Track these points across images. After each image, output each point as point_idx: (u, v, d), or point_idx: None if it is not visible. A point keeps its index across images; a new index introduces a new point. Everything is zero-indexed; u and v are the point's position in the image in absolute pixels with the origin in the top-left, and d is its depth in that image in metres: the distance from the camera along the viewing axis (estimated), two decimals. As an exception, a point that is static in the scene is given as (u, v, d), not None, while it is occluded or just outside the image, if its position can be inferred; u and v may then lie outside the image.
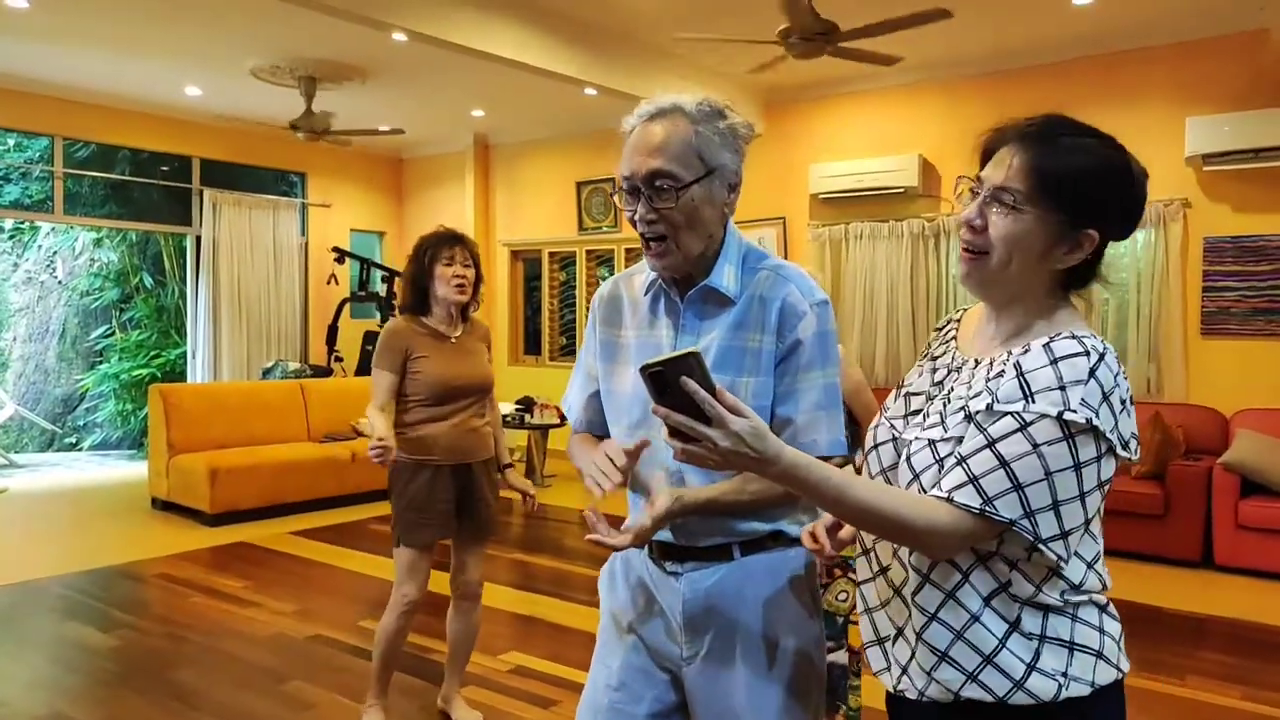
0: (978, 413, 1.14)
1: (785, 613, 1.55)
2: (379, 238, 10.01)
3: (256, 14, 5.59)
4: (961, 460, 1.13)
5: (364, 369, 8.48)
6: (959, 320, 1.39)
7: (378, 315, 9.04)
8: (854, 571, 2.66)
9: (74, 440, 10.49)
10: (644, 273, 1.59)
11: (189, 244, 8.63)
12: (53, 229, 10.61)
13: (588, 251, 8.75)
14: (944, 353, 1.35)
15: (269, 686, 3.41)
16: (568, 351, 9.01)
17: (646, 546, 1.59)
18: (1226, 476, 5.07)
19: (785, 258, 7.00)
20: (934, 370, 1.33)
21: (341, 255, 8.85)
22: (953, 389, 1.24)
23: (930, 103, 6.72)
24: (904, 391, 1.34)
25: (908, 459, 1.22)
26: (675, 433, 1.13)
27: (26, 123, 7.54)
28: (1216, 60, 5.62)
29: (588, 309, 8.99)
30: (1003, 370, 1.16)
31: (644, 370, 1.12)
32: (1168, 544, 5.24)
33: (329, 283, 9.04)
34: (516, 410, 7.59)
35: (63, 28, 5.91)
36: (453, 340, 2.97)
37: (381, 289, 9.10)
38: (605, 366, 1.63)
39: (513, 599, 4.50)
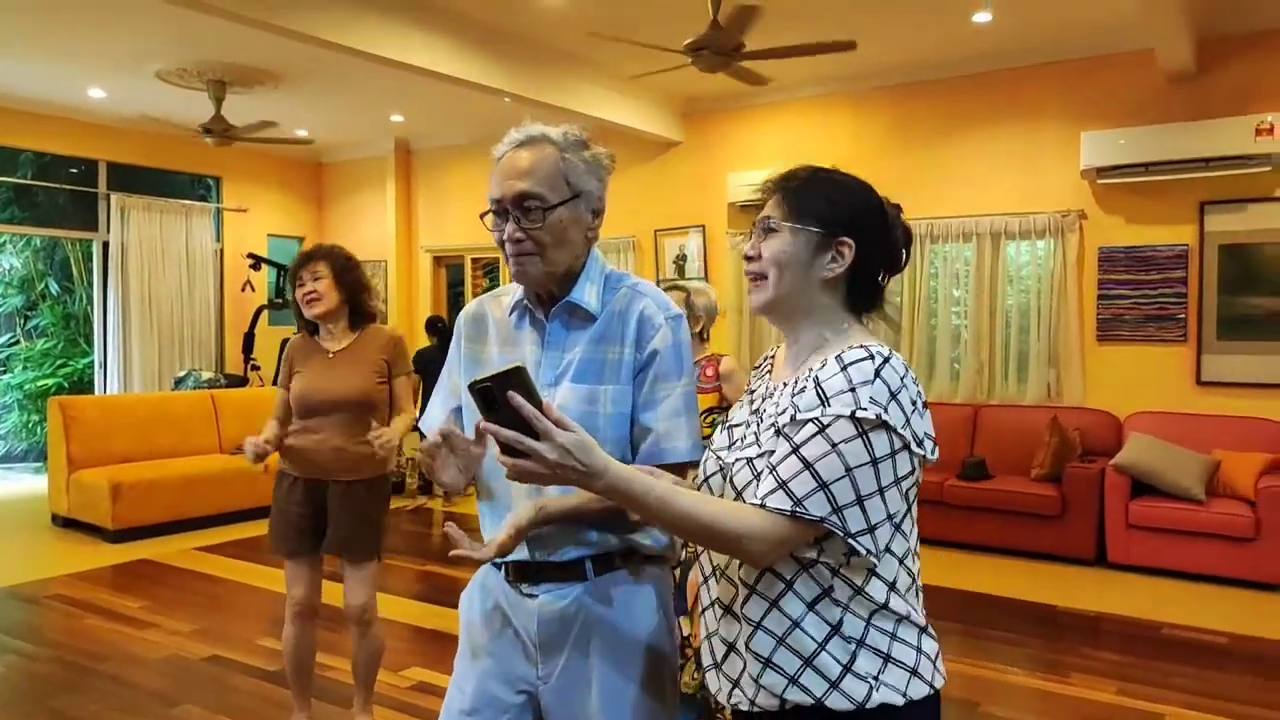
0: (785, 426, 1.23)
1: (639, 627, 1.59)
2: (298, 243, 9.82)
3: (156, 17, 5.45)
4: (772, 469, 1.21)
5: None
6: (773, 356, 1.48)
7: (296, 323, 8.85)
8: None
9: (-24, 453, 10.05)
10: (510, 294, 1.65)
11: (96, 250, 8.36)
12: (-48, 233, 10.17)
13: (511, 258, 8.71)
14: (760, 385, 1.43)
15: (158, 711, 3.33)
16: (491, 358, 8.96)
17: (503, 569, 1.62)
18: (1118, 477, 5.28)
19: (706, 264, 7.06)
20: (751, 402, 1.41)
21: (257, 261, 8.67)
22: (766, 411, 1.32)
23: (841, 114, 6.86)
24: (728, 425, 1.42)
25: (730, 480, 1.29)
26: (505, 449, 1.15)
27: (-82, 124, 7.23)
28: (1109, 77, 5.86)
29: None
30: (804, 386, 1.25)
31: (472, 387, 1.15)
32: (1064, 543, 5.44)
33: (244, 290, 8.84)
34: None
35: (-49, 27, 5.69)
36: (330, 355, 2.95)
37: (300, 296, 8.92)
38: (468, 380, 1.65)
39: (418, 612, 4.47)
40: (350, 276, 2.98)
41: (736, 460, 1.29)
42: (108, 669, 3.72)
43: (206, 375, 8.03)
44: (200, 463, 6.41)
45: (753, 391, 1.43)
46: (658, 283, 7.79)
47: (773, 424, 1.27)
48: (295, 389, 2.94)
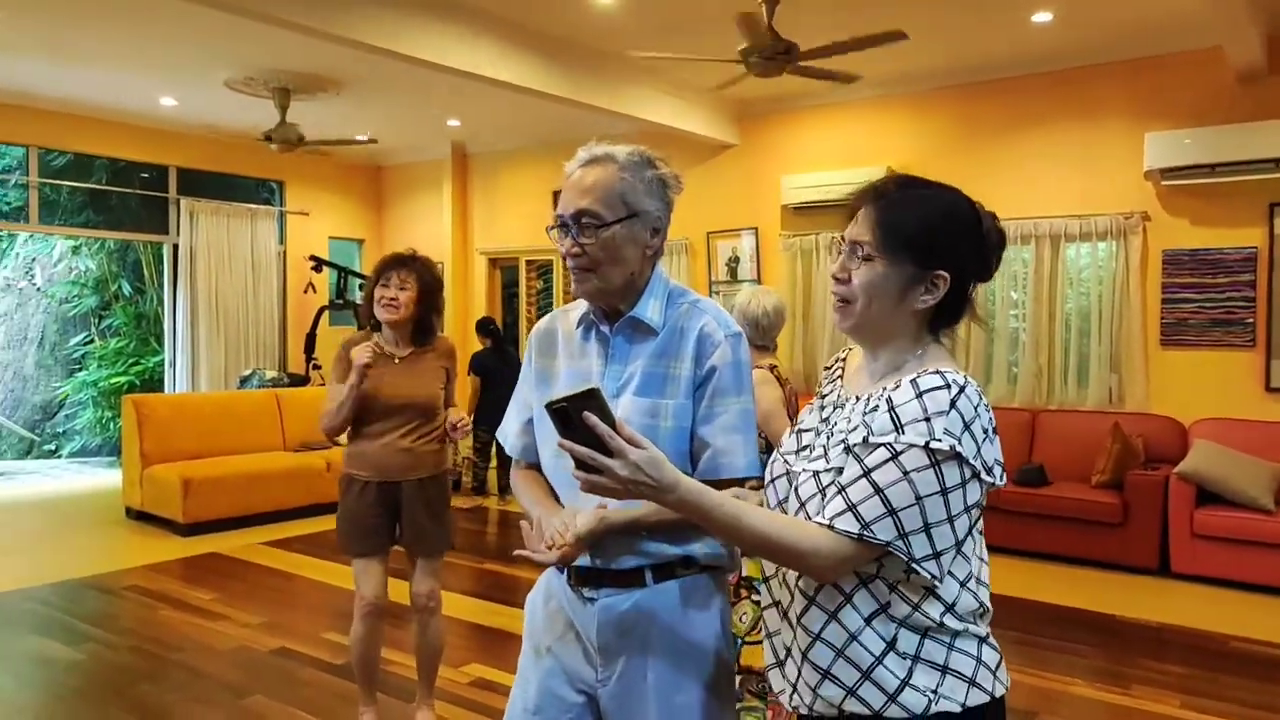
0: (855, 445, 1.25)
1: (696, 637, 1.62)
2: (358, 245, 10.05)
3: (227, 28, 5.63)
4: (841, 489, 1.22)
5: (341, 377, 8.51)
6: (844, 359, 1.49)
7: (355, 324, 9.07)
8: (757, 593, 2.74)
9: (53, 447, 10.49)
10: (579, 308, 1.70)
11: (166, 252, 8.66)
12: (30, 236, 10.60)
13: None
14: (831, 390, 1.44)
15: (230, 702, 3.46)
16: (545, 359, 9.06)
17: (566, 573, 1.67)
18: (1183, 486, 5.17)
19: (759, 266, 7.07)
20: (822, 408, 1.42)
21: (319, 264, 8.89)
22: (836, 424, 1.34)
23: (898, 116, 6.81)
24: (797, 429, 1.44)
25: (796, 490, 1.32)
26: (580, 464, 1.22)
27: (2, 133, 7.55)
28: (1174, 77, 5.73)
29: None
30: (877, 405, 1.26)
31: (549, 407, 1.21)
32: (1125, 552, 5.34)
33: (306, 291, 9.07)
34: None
35: (35, 39, 5.94)
36: (397, 360, 3.04)
37: (359, 297, 9.14)
38: (539, 394, 1.73)
39: (476, 609, 4.56)
40: (433, 299, 3.07)
41: (803, 472, 1.32)
42: (182, 659, 3.88)
43: (270, 374, 8.27)
44: (265, 459, 6.61)
45: (823, 396, 1.45)
46: (710, 287, 7.81)
47: (843, 441, 1.28)
48: (363, 389, 3.00)
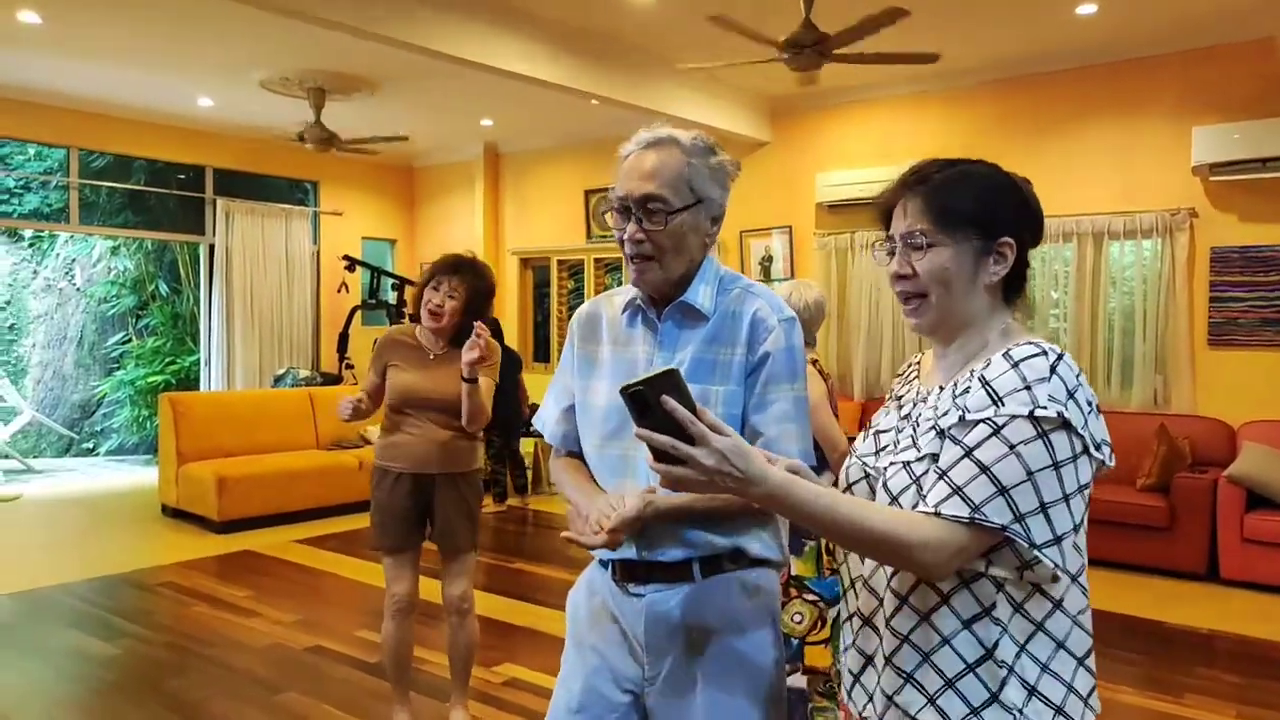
0: (950, 427, 1.15)
1: (746, 634, 1.57)
2: (390, 245, 10.09)
3: (263, 28, 5.66)
4: (943, 474, 1.13)
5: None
6: (918, 362, 1.42)
7: (388, 323, 9.11)
8: (809, 592, 2.65)
9: (91, 445, 10.63)
10: (623, 294, 1.65)
11: (203, 252, 8.74)
12: (70, 236, 10.77)
13: (596, 259, 8.79)
14: (908, 390, 1.37)
15: (263, 698, 3.45)
16: (576, 359, 9.03)
17: (610, 568, 1.62)
18: (1232, 489, 5.02)
19: (793, 265, 7.00)
20: (900, 407, 1.34)
21: (352, 263, 8.93)
22: (921, 414, 1.26)
23: (935, 112, 6.70)
24: (873, 430, 1.36)
25: (884, 485, 1.22)
26: (658, 455, 1.11)
27: (44, 134, 7.66)
28: (1223, 69, 5.57)
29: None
30: (968, 387, 1.17)
31: (625, 391, 1.11)
32: (1173, 557, 5.20)
33: (339, 291, 9.12)
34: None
35: (75, 42, 6.01)
36: (432, 356, 3.02)
37: (392, 297, 9.18)
38: (582, 382, 1.69)
39: (509, 609, 4.53)
40: (480, 307, 3.02)
41: (891, 465, 1.23)
42: (215, 654, 3.88)
43: (304, 373, 8.32)
44: (299, 458, 6.63)
45: (899, 398, 1.37)
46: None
47: (933, 426, 1.19)
48: (398, 382, 2.99)
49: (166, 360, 10.35)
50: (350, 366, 8.86)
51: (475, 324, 2.90)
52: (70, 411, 10.75)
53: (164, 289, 10.63)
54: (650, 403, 1.09)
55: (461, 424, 2.97)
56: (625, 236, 1.56)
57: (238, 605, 4.56)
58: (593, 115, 7.67)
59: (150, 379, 10.20)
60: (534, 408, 7.63)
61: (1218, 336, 5.69)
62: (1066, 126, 6.17)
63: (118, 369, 10.62)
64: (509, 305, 9.37)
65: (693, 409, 1.11)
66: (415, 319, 3.09)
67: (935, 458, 1.17)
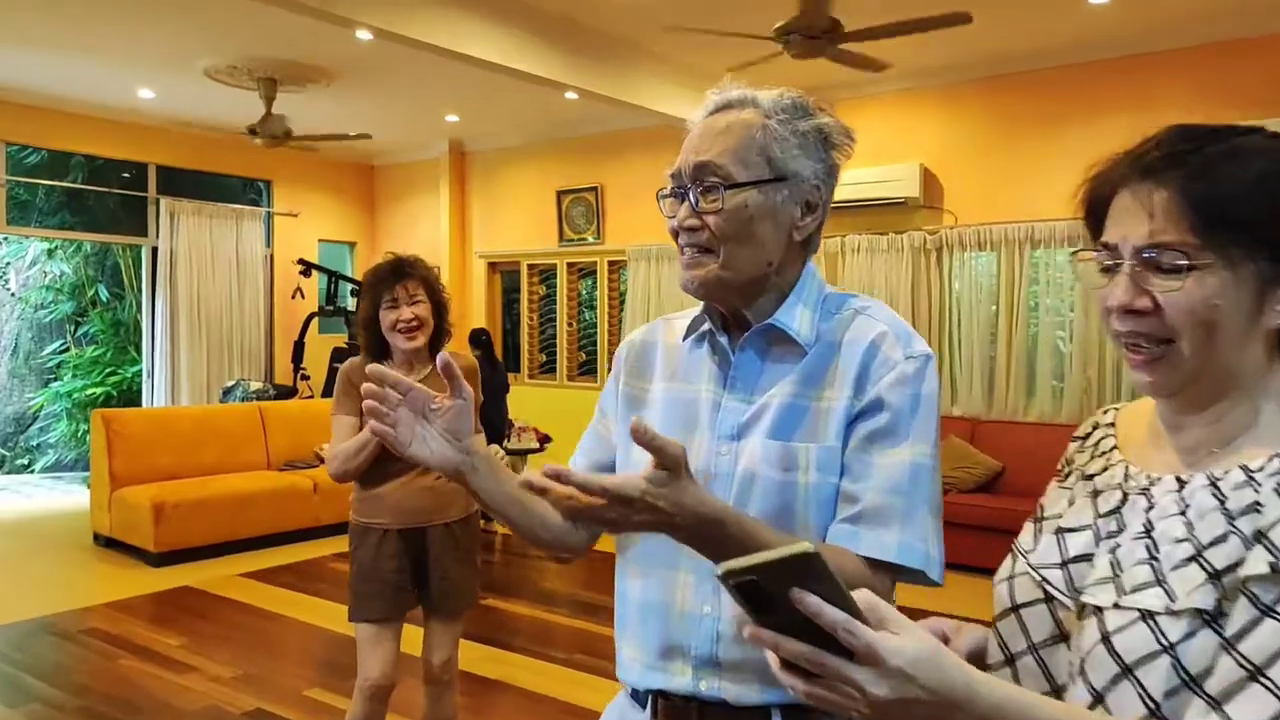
0: (1251, 580, 0.70)
1: None
2: (349, 248, 9.54)
3: (206, 10, 5.14)
4: (1256, 672, 0.68)
5: (332, 388, 8.01)
6: (1112, 424, 0.96)
7: (347, 331, 8.56)
8: None
9: (25, 462, 9.93)
10: (686, 316, 1.25)
11: (146, 255, 8.13)
12: (3, 238, 10.07)
13: (569, 264, 8.32)
14: (1102, 469, 0.92)
15: (193, 781, 2.95)
16: (548, 369, 8.57)
17: (648, 707, 1.16)
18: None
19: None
20: (1095, 495, 0.89)
21: (308, 268, 8.37)
22: (1150, 526, 0.81)
23: (932, 109, 6.33)
24: (1054, 527, 0.91)
25: (1104, 640, 0.77)
26: (792, 664, 0.71)
27: (-34, 127, 7.04)
28: (1242, 63, 5.25)
29: (569, 323, 8.63)
30: (1253, 501, 0.73)
31: (724, 578, 0.68)
32: None
33: (294, 297, 8.55)
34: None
35: (2, 28, 5.44)
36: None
37: (351, 303, 8.62)
38: (625, 429, 1.22)
39: (480, 657, 4.03)
40: (440, 295, 2.59)
41: (1116, 609, 0.77)
42: (141, 721, 3.35)
43: (255, 385, 7.75)
44: (247, 480, 6.07)
45: (1090, 476, 0.92)
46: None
47: (1194, 558, 0.75)
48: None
49: (107, 370, 9.68)
50: (306, 377, 8.30)
51: (440, 362, 2.46)
52: (3, 425, 10.04)
53: (104, 295, 9.97)
54: (771, 595, 0.67)
55: None
56: (675, 224, 1.15)
57: (171, 657, 4.02)
58: (566, 111, 7.22)
59: (89, 391, 9.54)
60: (513, 425, 7.11)
61: None
62: (1073, 125, 5.82)
63: (55, 380, 9.94)
64: (476, 312, 8.87)
65: (846, 602, 0.67)
66: (376, 354, 2.58)
67: (1213, 618, 0.72)
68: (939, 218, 6.29)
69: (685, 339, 1.23)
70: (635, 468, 1.20)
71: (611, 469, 1.27)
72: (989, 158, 6.00)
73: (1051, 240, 5.86)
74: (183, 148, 8.04)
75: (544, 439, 7.09)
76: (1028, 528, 0.94)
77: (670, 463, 0.93)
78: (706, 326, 1.20)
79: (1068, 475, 0.97)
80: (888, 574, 1.06)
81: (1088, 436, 0.98)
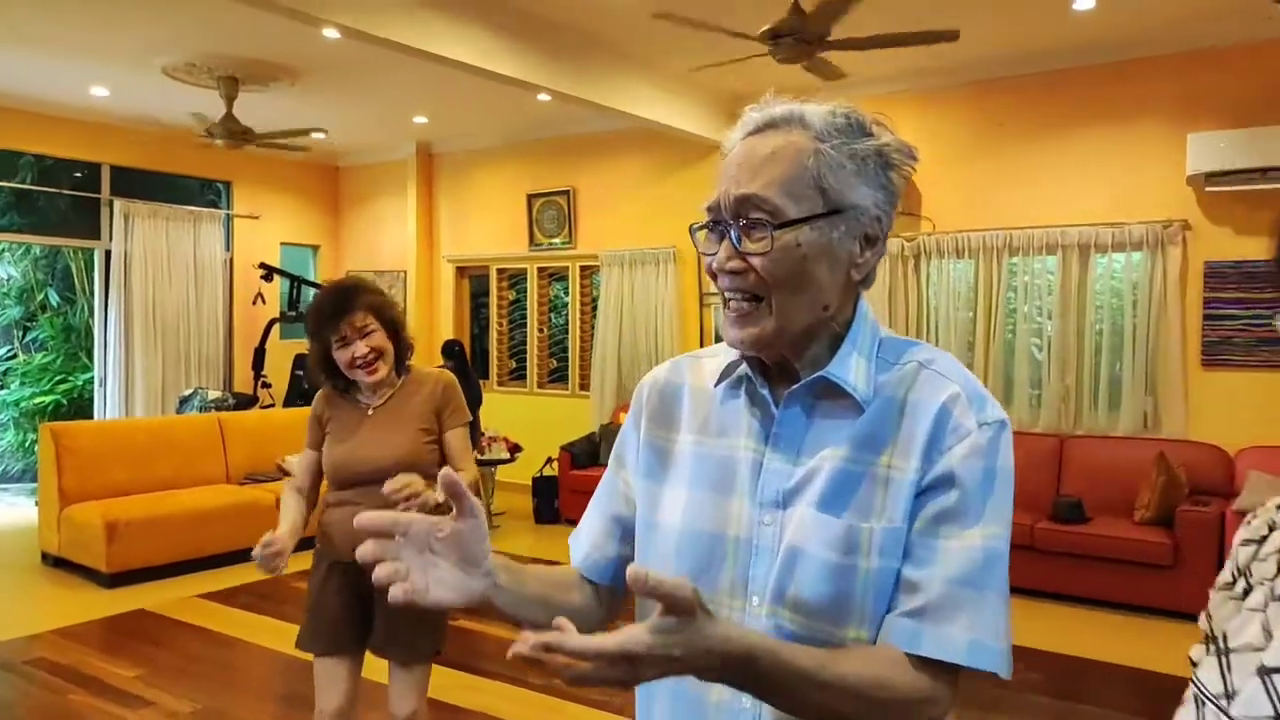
0: None
1: None
2: (313, 252, 9.28)
3: (164, 6, 4.91)
4: None
5: (294, 396, 7.77)
6: None
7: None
8: None
9: (-29, 474, 9.52)
10: (719, 356, 1.10)
11: (99, 259, 7.83)
12: (-52, 240, 9.65)
13: (539, 268, 8.15)
14: None
15: (147, 831, 2.75)
16: (518, 375, 8.39)
17: None
18: (1240, 524, 4.64)
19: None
20: None
21: (269, 272, 8.12)
22: None
23: (911, 114, 6.25)
24: (1255, 665, 0.73)
25: None
26: None
27: (-93, 124, 6.71)
28: (1223, 72, 5.24)
29: (539, 329, 8.46)
30: None
31: None
32: (1175, 597, 4.81)
33: (255, 302, 8.28)
34: (462, 444, 6.93)
35: (-65, 16, 5.16)
36: (370, 411, 2.39)
37: (314, 309, 8.37)
38: (647, 485, 1.10)
39: (452, 683, 3.86)
40: (392, 315, 2.41)
41: None
42: (92, 762, 3.14)
43: (214, 394, 7.48)
44: (206, 495, 5.83)
45: None
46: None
47: None
48: (330, 456, 2.39)
49: (57, 378, 9.31)
50: (267, 385, 8.05)
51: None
52: (-52, 435, 9.61)
53: (54, 299, 9.59)
54: None
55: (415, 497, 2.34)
56: (715, 266, 1.00)
57: (124, 690, 3.79)
58: (538, 112, 7.06)
59: (38, 399, 9.17)
60: (471, 430, 6.91)
61: (1212, 356, 5.35)
62: (1053, 132, 5.78)
63: (1, 388, 9.54)
64: (443, 317, 8.67)
65: None
66: (337, 386, 2.43)
67: None
68: (917, 224, 6.22)
69: (719, 384, 1.08)
70: (654, 532, 1.08)
71: (630, 529, 1.13)
72: (968, 165, 5.94)
73: (1029, 248, 5.81)
74: (137, 147, 7.75)
75: (514, 448, 6.92)
76: (1208, 662, 0.77)
77: (680, 608, 0.78)
78: (743, 371, 1.05)
79: (1247, 590, 0.80)
80: (951, 674, 0.92)
81: (1264, 539, 0.82)
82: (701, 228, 1.02)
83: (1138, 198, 5.49)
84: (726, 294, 1.00)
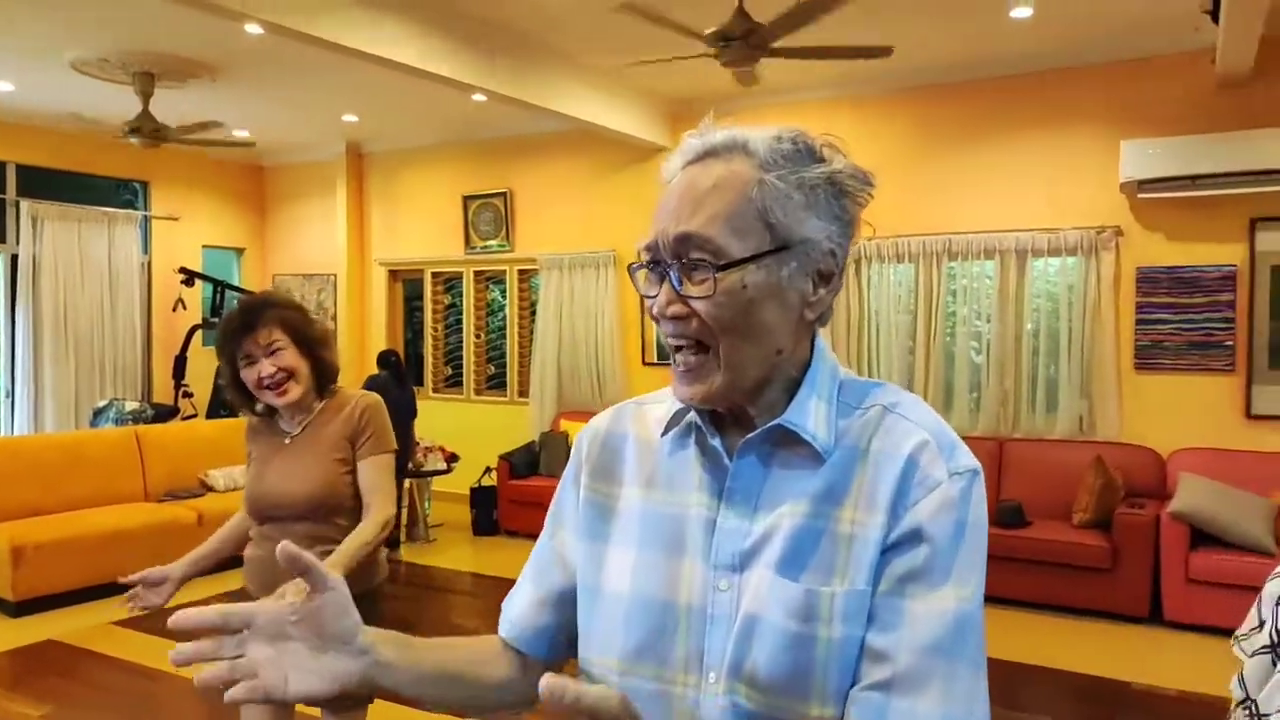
0: None
1: None
2: (237, 255, 8.92)
3: (68, -6, 4.61)
4: None
5: (218, 406, 7.44)
6: None
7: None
8: None
9: None
10: (664, 402, 1.01)
11: (4, 263, 7.38)
12: None
13: (476, 272, 7.96)
14: None
15: None
16: (455, 382, 8.17)
17: None
18: (1175, 527, 4.73)
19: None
20: None
21: (190, 276, 7.77)
22: None
23: (849, 119, 6.24)
24: None
25: None
26: None
27: None
28: (1155, 81, 5.33)
29: (476, 334, 8.26)
30: None
31: None
32: (1114, 600, 4.88)
33: (175, 309, 7.92)
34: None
35: None
36: (288, 440, 2.22)
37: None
38: (589, 546, 1.00)
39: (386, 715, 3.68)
40: (310, 332, 2.23)
41: None
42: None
43: (131, 406, 7.12)
44: (122, 514, 5.52)
45: None
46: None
47: None
48: (246, 489, 2.23)
49: (-39, 389, 8.78)
50: (189, 395, 7.70)
51: (282, 555, 2.14)
52: None
53: (-42, 304, 9.04)
54: None
55: (330, 531, 2.18)
56: (656, 310, 0.91)
57: (30, 732, 3.54)
58: (473, 112, 6.87)
59: (-60, 411, 8.62)
60: (419, 445, 6.67)
61: (1144, 360, 5.45)
62: (990, 138, 5.82)
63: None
64: (375, 322, 8.41)
65: None
66: (257, 410, 2.26)
67: None
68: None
69: (665, 434, 0.98)
70: (598, 600, 0.97)
71: (567, 597, 1.02)
72: (908, 170, 5.95)
73: (968, 253, 5.85)
74: (46, 145, 7.34)
75: (451, 458, 6.72)
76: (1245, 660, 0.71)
77: None
78: (692, 419, 0.96)
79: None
80: None
81: None
82: (640, 267, 0.93)
83: (1073, 204, 5.57)
84: (670, 341, 0.91)
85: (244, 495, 2.24)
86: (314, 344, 2.22)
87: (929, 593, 0.84)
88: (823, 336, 0.98)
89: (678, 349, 0.91)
